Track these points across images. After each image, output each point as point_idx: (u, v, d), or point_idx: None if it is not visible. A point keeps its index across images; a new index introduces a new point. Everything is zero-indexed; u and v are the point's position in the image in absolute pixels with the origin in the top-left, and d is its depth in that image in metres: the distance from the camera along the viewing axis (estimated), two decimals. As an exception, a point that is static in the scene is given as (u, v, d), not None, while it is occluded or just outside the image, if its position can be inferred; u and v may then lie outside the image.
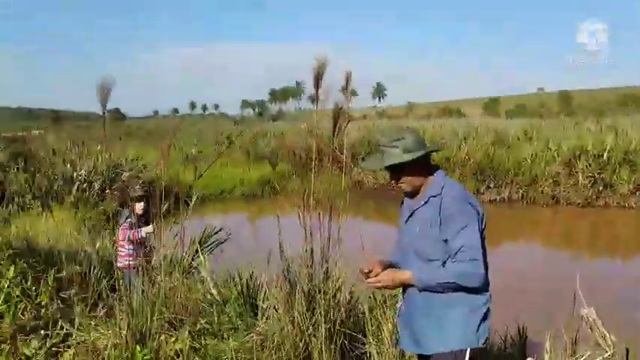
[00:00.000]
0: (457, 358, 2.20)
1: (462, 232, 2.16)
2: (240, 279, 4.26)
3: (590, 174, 12.84)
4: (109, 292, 4.03)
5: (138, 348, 2.49)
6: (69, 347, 3.54)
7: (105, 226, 8.79)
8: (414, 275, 2.25)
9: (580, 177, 12.89)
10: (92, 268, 5.00)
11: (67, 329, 3.69)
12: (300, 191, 3.60)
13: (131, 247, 4.91)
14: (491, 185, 13.70)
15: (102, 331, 3.48)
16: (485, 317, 2.26)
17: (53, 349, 3.58)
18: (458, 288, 2.18)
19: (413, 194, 2.38)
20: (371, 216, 12.29)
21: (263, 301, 4.04)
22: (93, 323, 3.68)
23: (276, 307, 3.30)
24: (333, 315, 3.07)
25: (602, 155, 13.10)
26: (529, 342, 3.79)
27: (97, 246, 6.20)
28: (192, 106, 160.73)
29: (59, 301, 4.10)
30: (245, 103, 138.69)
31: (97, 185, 10.30)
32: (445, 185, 2.28)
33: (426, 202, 2.30)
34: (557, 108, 49.75)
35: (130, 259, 4.85)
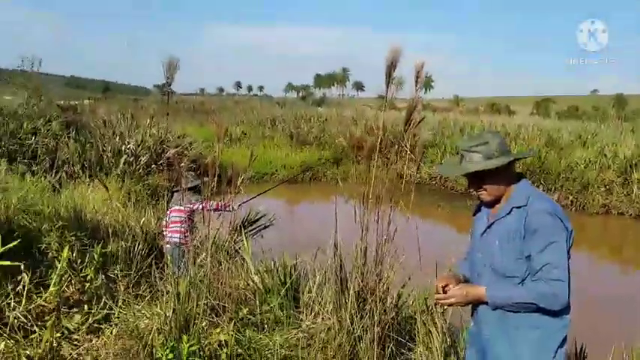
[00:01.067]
0: None
1: (549, 248, 1.96)
2: (284, 269, 4.17)
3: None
4: (154, 271, 3.99)
5: (184, 337, 2.41)
6: (111, 325, 3.52)
7: (149, 201, 8.88)
8: (487, 292, 2.07)
9: (635, 187, 12.27)
10: (137, 244, 5.01)
11: (110, 307, 3.68)
12: (356, 182, 3.46)
13: (187, 224, 5.00)
14: (541, 189, 13.20)
15: (145, 312, 3.44)
16: (562, 343, 2.06)
17: (95, 325, 3.57)
18: (535, 309, 1.99)
19: (492, 204, 2.19)
20: (426, 214, 12.01)
21: (305, 295, 3.95)
22: (136, 303, 3.65)
23: (324, 303, 3.18)
24: (383, 318, 2.92)
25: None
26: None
27: (142, 222, 6.23)
28: (238, 86, 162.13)
29: (104, 277, 4.09)
30: (289, 87, 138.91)
31: (143, 159, 10.39)
32: (531, 196, 2.07)
33: (508, 214, 2.09)
34: (612, 111, 47.73)
35: (184, 236, 4.90)
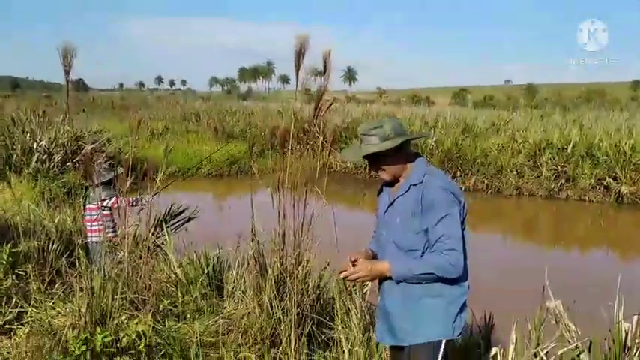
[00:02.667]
0: (433, 350, 2.17)
1: (443, 221, 2.11)
2: (207, 259, 4.16)
3: (554, 167, 13.10)
4: (67, 269, 3.87)
5: (98, 329, 2.37)
6: (23, 325, 3.38)
7: (65, 199, 8.50)
8: (391, 266, 2.19)
9: (544, 170, 13.12)
10: (51, 242, 4.81)
11: (22, 306, 3.53)
12: (273, 172, 3.51)
13: (107, 219, 4.83)
14: (458, 174, 13.84)
15: (59, 309, 3.33)
16: (462, 308, 2.23)
17: (7, 326, 3.42)
18: (436, 279, 2.14)
19: (393, 183, 2.32)
20: (340, 200, 12.27)
21: (229, 283, 3.97)
22: (50, 301, 3.52)
23: (245, 289, 3.22)
24: (303, 300, 3.00)
25: (566, 149, 13.36)
26: (495, 332, 3.83)
27: (57, 220, 5.98)
28: (159, 80, 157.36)
29: (14, 277, 3.91)
30: (214, 80, 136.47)
31: (57, 157, 9.91)
32: (427, 173, 2.22)
33: (406, 192, 2.24)
34: (524, 100, 50.56)
35: (99, 233, 4.71)
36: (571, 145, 13.40)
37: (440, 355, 2.17)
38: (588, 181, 12.67)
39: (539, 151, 13.58)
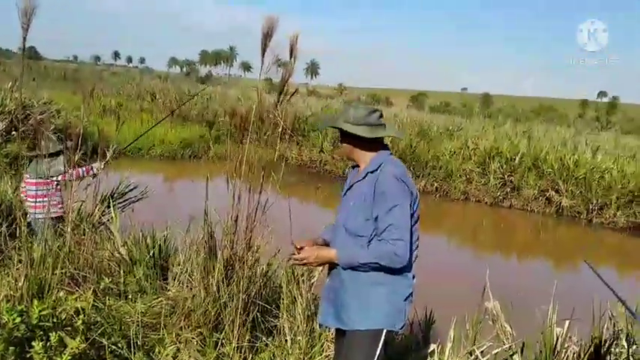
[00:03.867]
0: (373, 338, 2.21)
1: (392, 210, 2.15)
2: (153, 240, 4.09)
3: (501, 175, 13.52)
4: (7, 240, 3.70)
5: (35, 302, 2.29)
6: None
7: (7, 169, 8.14)
8: (337, 254, 2.24)
9: (491, 177, 13.53)
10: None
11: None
12: (228, 157, 3.48)
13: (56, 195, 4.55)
14: (410, 175, 14.07)
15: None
16: (406, 299, 2.28)
17: None
18: (380, 268, 2.18)
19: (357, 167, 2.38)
20: (294, 192, 12.24)
21: (175, 266, 3.91)
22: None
23: (192, 272, 3.17)
24: (250, 286, 3.00)
25: (514, 159, 13.81)
26: (434, 330, 3.93)
27: (-2, 190, 5.74)
28: (116, 56, 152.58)
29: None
30: (173, 61, 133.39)
31: (2, 125, 9.46)
32: (384, 163, 2.26)
33: (363, 178, 2.28)
34: (478, 109, 51.93)
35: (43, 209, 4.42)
36: (519, 156, 13.86)
37: (380, 345, 2.21)
38: (532, 191, 13.15)
39: (489, 158, 13.98)
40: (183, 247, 4.06)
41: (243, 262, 2.98)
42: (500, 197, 13.32)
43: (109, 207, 5.08)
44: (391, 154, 2.36)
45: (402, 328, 2.30)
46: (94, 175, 4.76)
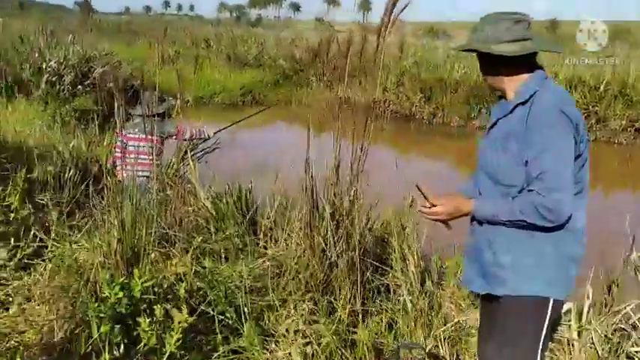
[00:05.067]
0: (536, 308, 1.79)
1: (547, 152, 1.66)
2: (240, 193, 3.80)
3: (585, 106, 12.49)
4: (92, 199, 3.51)
5: (136, 272, 2.02)
6: (44, 260, 3.07)
7: (77, 124, 8.08)
8: (474, 206, 1.80)
9: (573, 108, 12.53)
10: (67, 170, 4.46)
11: (41, 239, 3.20)
12: (318, 102, 3.07)
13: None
14: (484, 111, 13.25)
15: (84, 244, 3.00)
16: (573, 261, 1.82)
17: (25, 261, 3.10)
18: (531, 226, 1.72)
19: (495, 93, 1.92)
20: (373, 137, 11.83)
21: (264, 219, 3.63)
22: (72, 235, 3.19)
23: (292, 228, 2.85)
24: (360, 243, 2.64)
25: (599, 88, 12.68)
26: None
27: (72, 145, 5.62)
28: (166, 4, 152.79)
29: (30, 206, 3.56)
30: (222, 7, 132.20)
31: (68, 79, 9.40)
32: (539, 90, 1.76)
33: (511, 112, 1.80)
34: (546, 35, 48.62)
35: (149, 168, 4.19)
36: (603, 84, 12.71)
37: (546, 319, 1.80)
38: (619, 122, 12.11)
39: (570, 88, 12.91)
40: (271, 200, 3.77)
41: (350, 216, 2.61)
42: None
43: (185, 159, 4.85)
44: (547, 77, 1.84)
45: (568, 295, 1.87)
46: (204, 140, 4.61)
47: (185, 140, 4.58)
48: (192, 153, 5.55)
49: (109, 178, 3.65)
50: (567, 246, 1.78)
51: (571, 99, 1.80)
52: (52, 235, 3.17)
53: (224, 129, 5.29)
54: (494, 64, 1.82)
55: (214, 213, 3.68)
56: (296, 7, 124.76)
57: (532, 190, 1.69)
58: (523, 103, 1.77)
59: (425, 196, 1.85)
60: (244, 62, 17.99)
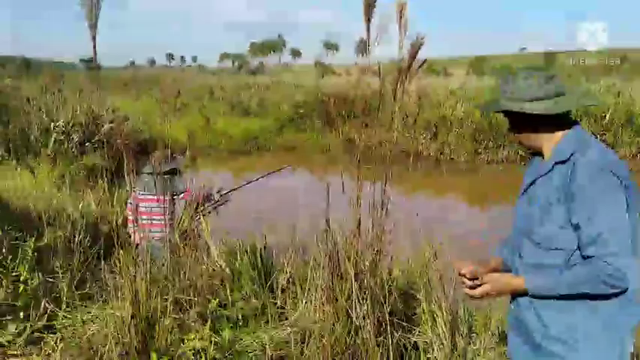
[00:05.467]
0: None
1: (599, 214, 1.54)
2: (255, 250, 3.69)
3: (593, 135, 12.43)
4: (104, 265, 3.40)
5: (154, 356, 1.90)
6: (54, 333, 2.94)
7: (86, 182, 8.06)
8: (526, 283, 1.65)
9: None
10: (77, 233, 4.37)
11: (51, 310, 3.08)
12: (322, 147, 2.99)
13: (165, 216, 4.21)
14: (491, 145, 13.20)
15: (97, 315, 2.88)
16: (628, 332, 1.65)
17: (35, 334, 2.98)
18: (592, 296, 1.58)
19: (542, 156, 1.77)
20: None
21: (281, 277, 3.51)
22: (83, 304, 3.08)
23: (313, 289, 2.72)
24: (384, 303, 2.50)
25: (605, 116, 12.66)
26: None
27: (81, 206, 5.56)
28: (170, 57, 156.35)
29: (40, 274, 3.46)
30: (224, 56, 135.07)
31: (76, 137, 9.47)
32: (580, 147, 1.64)
33: (550, 170, 1.68)
34: (543, 68, 48.96)
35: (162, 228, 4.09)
36: (609, 112, 12.69)
37: None
38: (629, 148, 12.03)
39: (577, 118, 12.87)
40: (289, 257, 3.65)
41: (374, 276, 2.48)
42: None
43: (197, 213, 4.76)
44: (584, 132, 1.73)
45: None
46: (212, 202, 4.51)
47: (192, 203, 4.49)
48: (202, 208, 5.49)
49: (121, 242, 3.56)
50: (623, 313, 1.63)
51: (616, 156, 1.68)
52: (63, 306, 3.05)
53: (234, 190, 5.20)
54: (526, 122, 1.72)
55: (229, 272, 3.57)
56: (296, 53, 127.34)
57: (591, 257, 1.55)
58: (563, 162, 1.65)
59: (467, 277, 1.73)
60: (247, 110, 18.17)
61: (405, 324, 2.72)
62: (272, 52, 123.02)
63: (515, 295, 1.75)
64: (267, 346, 2.38)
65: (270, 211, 6.19)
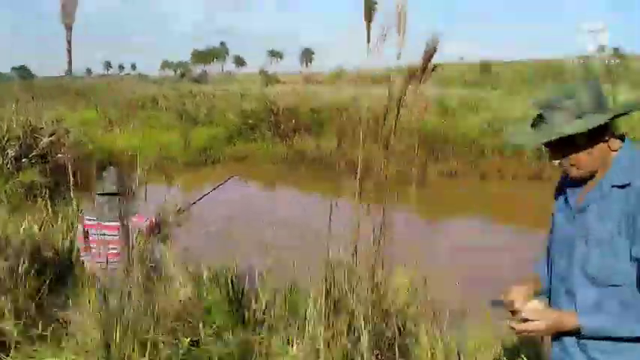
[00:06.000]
0: None
1: None
2: (226, 278, 3.42)
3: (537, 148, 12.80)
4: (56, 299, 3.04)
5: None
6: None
7: (24, 201, 7.46)
8: (580, 321, 1.46)
9: (528, 151, 12.80)
10: (21, 261, 3.94)
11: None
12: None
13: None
14: (439, 157, 13.33)
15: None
16: None
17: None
18: None
19: (583, 180, 1.55)
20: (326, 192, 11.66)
21: (253, 306, 3.26)
22: (37, 350, 2.71)
23: (305, 326, 2.48)
24: (384, 336, 2.31)
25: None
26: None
27: (23, 229, 5.06)
28: (108, 65, 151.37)
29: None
30: (165, 64, 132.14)
31: (11, 152, 8.77)
32: (637, 168, 1.45)
33: (605, 195, 1.48)
34: (478, 78, 50.43)
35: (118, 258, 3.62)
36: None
37: None
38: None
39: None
40: (262, 284, 3.40)
41: (376, 308, 2.28)
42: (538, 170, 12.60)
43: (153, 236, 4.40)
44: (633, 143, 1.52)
45: None
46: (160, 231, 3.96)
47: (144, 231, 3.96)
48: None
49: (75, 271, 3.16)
50: None
51: None
52: (12, 352, 2.68)
53: (198, 201, 4.75)
54: (575, 143, 1.49)
55: (195, 304, 3.28)
56: (240, 62, 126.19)
57: None
58: (621, 187, 1.46)
59: (511, 311, 1.53)
60: (195, 119, 17.66)
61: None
62: (214, 60, 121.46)
63: (560, 333, 1.55)
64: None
65: (226, 226, 5.86)
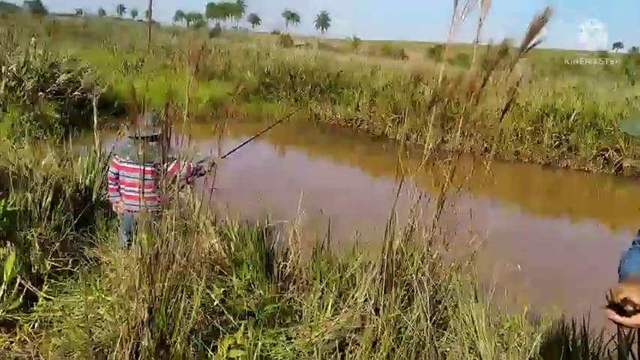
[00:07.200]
0: None
1: None
2: (258, 232, 3.33)
3: (557, 134, 12.60)
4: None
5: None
6: (29, 313, 2.50)
7: (41, 135, 7.32)
8: None
9: (545, 136, 12.61)
10: (45, 196, 3.85)
11: (27, 290, 2.62)
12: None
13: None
14: (458, 134, 13.14)
15: (95, 298, 2.45)
16: None
17: (8, 316, 2.52)
18: None
19: None
20: (341, 156, 11.56)
21: (282, 262, 3.18)
22: (67, 283, 2.63)
23: (355, 292, 2.39)
24: (434, 310, 2.22)
25: (570, 117, 12.84)
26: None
27: (43, 164, 4.94)
28: (121, 9, 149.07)
29: (12, 245, 2.95)
30: (179, 15, 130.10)
31: (29, 85, 8.58)
32: None
33: None
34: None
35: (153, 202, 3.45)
36: (574, 113, 12.88)
37: None
38: (590, 151, 12.24)
39: (543, 116, 13.02)
40: (295, 242, 3.31)
41: (428, 281, 2.18)
42: (556, 157, 12.42)
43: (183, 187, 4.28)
44: None
45: None
46: (201, 175, 3.79)
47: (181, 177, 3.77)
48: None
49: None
50: None
51: None
52: (45, 287, 2.59)
53: (234, 151, 4.46)
54: None
55: (227, 260, 3.19)
56: (255, 20, 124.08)
57: None
58: None
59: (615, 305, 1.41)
60: (212, 74, 17.35)
61: (443, 332, 2.44)
62: (229, 16, 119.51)
63: None
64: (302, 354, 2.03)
65: (263, 186, 5.73)
